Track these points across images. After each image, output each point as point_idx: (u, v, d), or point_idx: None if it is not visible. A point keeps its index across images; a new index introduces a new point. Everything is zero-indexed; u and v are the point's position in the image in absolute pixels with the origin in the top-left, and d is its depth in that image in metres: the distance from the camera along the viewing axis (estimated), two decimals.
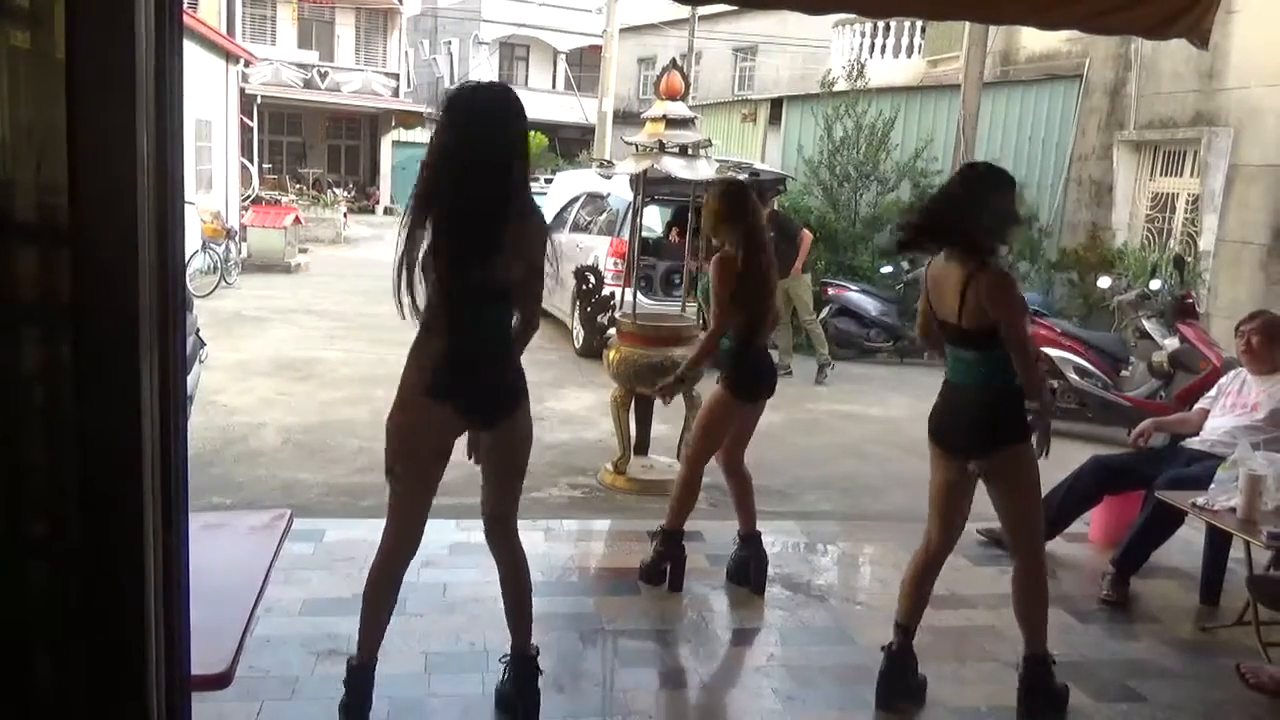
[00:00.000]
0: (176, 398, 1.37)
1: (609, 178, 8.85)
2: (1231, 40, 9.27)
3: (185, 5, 1.42)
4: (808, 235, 9.50)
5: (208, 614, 1.81)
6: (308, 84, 26.79)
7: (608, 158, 11.52)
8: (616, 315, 5.95)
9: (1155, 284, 8.04)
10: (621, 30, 19.79)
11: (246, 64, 20.94)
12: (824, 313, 10.74)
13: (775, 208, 9.68)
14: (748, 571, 4.11)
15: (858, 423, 7.79)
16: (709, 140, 6.23)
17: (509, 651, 2.97)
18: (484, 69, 33.40)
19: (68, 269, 1.26)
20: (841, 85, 13.05)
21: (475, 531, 4.29)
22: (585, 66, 32.80)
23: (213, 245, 12.91)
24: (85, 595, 1.32)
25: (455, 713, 3.02)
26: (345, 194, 25.02)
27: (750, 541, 4.13)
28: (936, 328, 3.15)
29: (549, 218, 11.71)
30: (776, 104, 15.02)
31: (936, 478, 3.18)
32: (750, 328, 3.93)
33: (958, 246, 3.02)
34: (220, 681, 2.07)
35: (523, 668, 2.94)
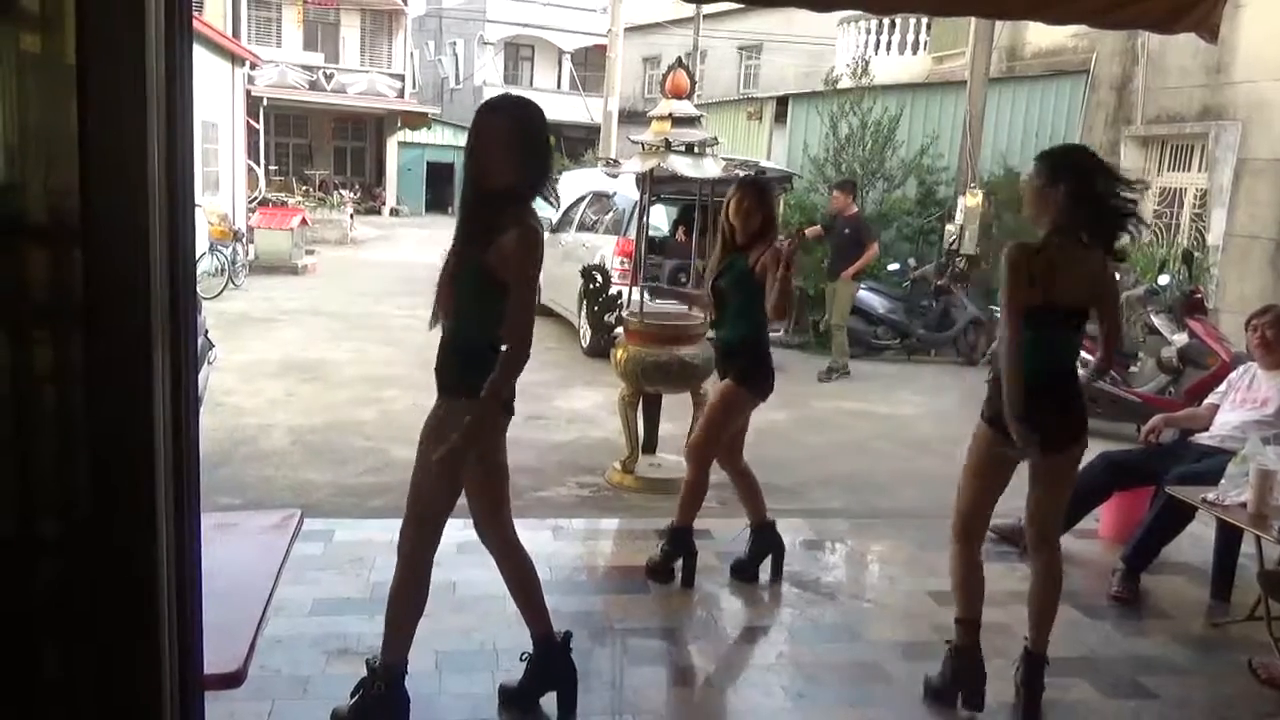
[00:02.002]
0: (188, 398, 1.38)
1: (615, 177, 8.85)
2: (1239, 34, 9.24)
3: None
4: (875, 248, 9.62)
5: (219, 614, 1.82)
6: (313, 86, 26.85)
7: (614, 157, 11.50)
8: (623, 314, 5.95)
9: (1163, 279, 8.01)
10: (626, 29, 19.78)
11: (252, 66, 21.01)
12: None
13: (856, 209, 9.78)
14: (753, 566, 4.12)
15: (865, 420, 7.79)
16: (715, 138, 6.22)
17: (531, 648, 3.00)
18: (489, 69, 33.44)
19: (79, 271, 1.27)
20: (846, 82, 13.03)
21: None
22: (590, 66, 32.80)
23: (220, 247, 12.94)
24: (98, 595, 1.33)
25: (466, 710, 3.03)
26: (351, 195, 25.06)
27: (766, 531, 4.15)
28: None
29: (556, 217, 11.77)
30: (782, 102, 15.00)
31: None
32: (765, 322, 4.00)
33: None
34: (233, 681, 2.07)
35: (552, 654, 2.97)
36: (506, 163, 2.64)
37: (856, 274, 9.46)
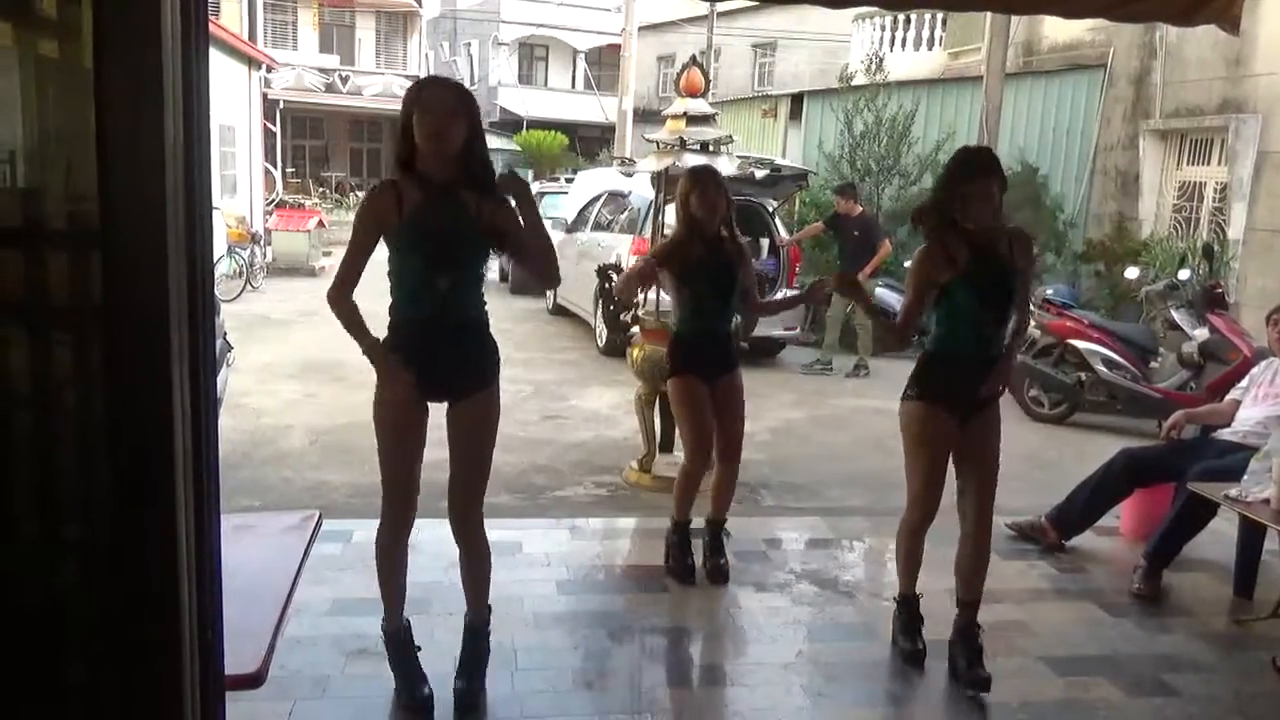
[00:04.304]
0: (207, 400, 1.38)
1: (630, 176, 8.84)
2: (1259, 25, 9.14)
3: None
4: (887, 245, 9.59)
5: (239, 614, 1.83)
6: (329, 88, 26.94)
7: (629, 156, 11.50)
8: (639, 313, 5.94)
9: (1184, 274, 7.95)
10: (640, 28, 19.77)
11: (269, 69, 21.11)
12: (847, 308, 10.74)
13: (862, 208, 9.73)
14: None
15: (883, 418, 7.71)
16: (730, 136, 6.21)
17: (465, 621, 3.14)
18: (503, 70, 33.48)
19: (98, 273, 1.27)
20: (861, 79, 12.99)
21: (499, 531, 4.31)
22: (605, 65, 32.80)
23: (238, 249, 13.01)
24: (119, 596, 1.33)
25: (484, 711, 3.03)
26: None
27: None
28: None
29: (571, 217, 11.78)
30: (797, 99, 14.95)
31: None
32: None
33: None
34: (253, 681, 2.08)
35: (475, 637, 3.10)
36: (462, 127, 2.76)
37: (873, 273, 9.42)
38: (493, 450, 3.01)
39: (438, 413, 2.98)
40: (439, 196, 2.76)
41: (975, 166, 3.19)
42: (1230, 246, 9.70)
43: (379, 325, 2.97)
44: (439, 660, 3.18)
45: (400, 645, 3.04)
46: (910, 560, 3.48)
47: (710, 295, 4.00)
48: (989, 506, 3.34)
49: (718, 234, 3.98)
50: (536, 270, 2.98)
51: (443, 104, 2.72)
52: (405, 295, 2.85)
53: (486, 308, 2.96)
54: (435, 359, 2.86)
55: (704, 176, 4.02)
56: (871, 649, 3.58)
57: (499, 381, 2.98)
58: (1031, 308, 3.60)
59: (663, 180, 5.83)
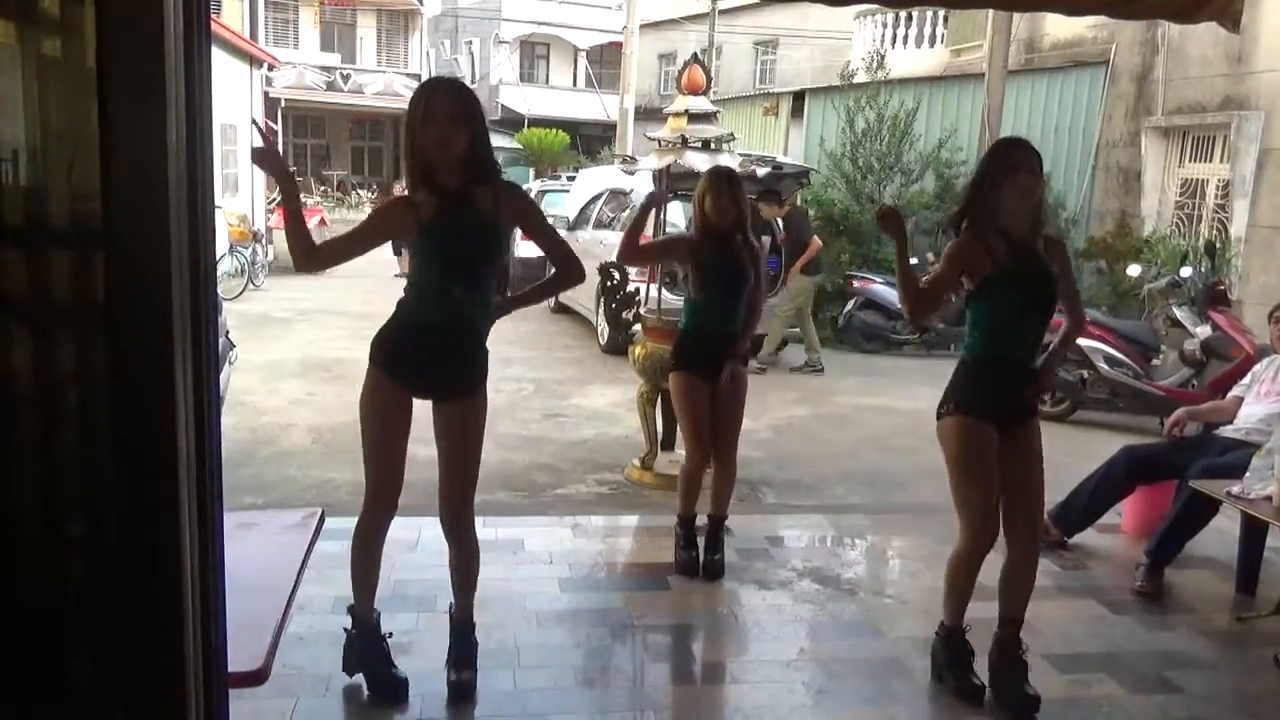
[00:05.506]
0: (209, 398, 1.39)
1: (632, 174, 8.82)
2: (1260, 23, 9.13)
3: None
4: (816, 240, 9.57)
5: (242, 612, 1.83)
6: (330, 86, 26.98)
7: (630, 154, 11.50)
8: (641, 311, 5.94)
9: (1186, 271, 7.94)
10: (642, 26, 19.78)
11: (270, 68, 21.10)
12: (849, 305, 10.74)
13: (795, 204, 9.68)
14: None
15: (884, 415, 7.75)
16: (731, 134, 6.22)
17: (450, 616, 3.12)
18: (504, 68, 33.48)
19: (101, 272, 1.28)
20: (862, 77, 12.99)
21: (501, 529, 4.33)
22: (606, 63, 32.79)
23: (240, 248, 13.01)
24: (123, 593, 1.34)
25: (488, 707, 3.03)
26: (369, 195, 25.14)
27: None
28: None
29: (572, 215, 11.78)
30: (799, 97, 14.95)
31: None
32: None
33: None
34: (256, 678, 2.09)
35: (465, 631, 3.11)
36: (473, 128, 2.77)
37: (804, 268, 9.37)
38: (479, 452, 3.00)
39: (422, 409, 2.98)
40: (454, 205, 2.76)
41: (1013, 163, 3.01)
42: (1232, 244, 9.70)
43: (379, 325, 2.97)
44: (444, 656, 3.19)
45: (368, 634, 3.06)
46: (960, 592, 3.20)
47: (718, 295, 4.07)
48: (1039, 521, 3.25)
49: (730, 235, 4.02)
50: (557, 263, 3.08)
51: (443, 112, 2.72)
52: (419, 298, 2.85)
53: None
54: (429, 361, 2.86)
55: (718, 179, 4.08)
56: (874, 646, 3.58)
57: (486, 386, 2.99)
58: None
59: (664, 178, 5.84)
